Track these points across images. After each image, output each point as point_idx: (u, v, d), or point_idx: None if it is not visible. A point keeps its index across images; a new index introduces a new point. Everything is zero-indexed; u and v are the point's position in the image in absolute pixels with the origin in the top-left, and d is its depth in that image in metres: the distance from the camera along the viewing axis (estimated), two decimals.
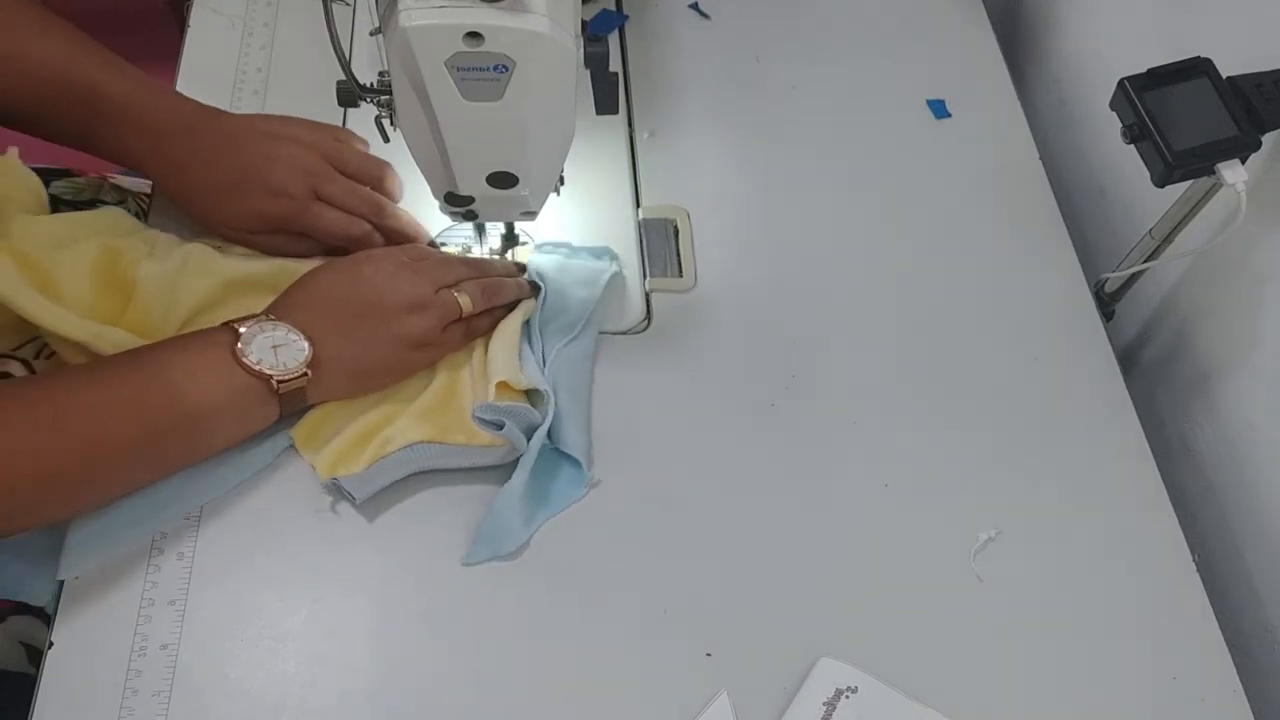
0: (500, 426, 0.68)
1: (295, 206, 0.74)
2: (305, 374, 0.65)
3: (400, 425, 0.70)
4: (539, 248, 0.79)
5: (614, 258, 0.80)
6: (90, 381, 0.62)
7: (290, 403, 0.67)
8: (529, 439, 0.69)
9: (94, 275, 0.70)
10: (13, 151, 0.74)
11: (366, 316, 0.69)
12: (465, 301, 0.71)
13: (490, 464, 0.69)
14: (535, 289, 0.77)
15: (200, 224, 0.76)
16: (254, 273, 0.73)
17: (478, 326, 0.74)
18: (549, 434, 0.70)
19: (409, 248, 0.75)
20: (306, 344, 0.66)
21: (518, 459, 0.69)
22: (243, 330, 0.65)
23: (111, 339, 0.67)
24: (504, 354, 0.72)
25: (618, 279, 0.80)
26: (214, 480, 0.67)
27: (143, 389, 0.62)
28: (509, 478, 0.69)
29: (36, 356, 0.70)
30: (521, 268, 0.78)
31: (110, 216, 0.76)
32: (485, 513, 0.67)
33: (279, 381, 0.65)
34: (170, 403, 0.62)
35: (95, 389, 0.61)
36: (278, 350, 0.65)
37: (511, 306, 0.75)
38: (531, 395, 0.72)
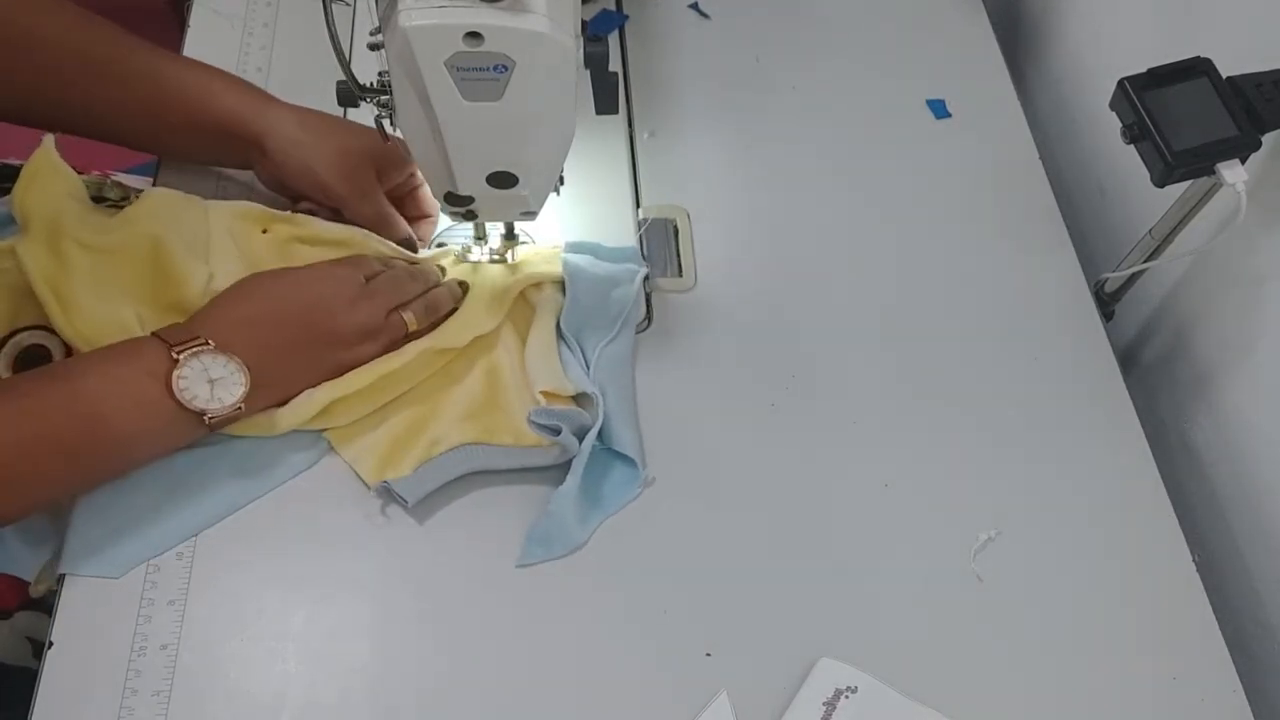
0: (557, 432, 0.68)
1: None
2: (239, 408, 0.64)
3: (445, 426, 0.70)
4: (569, 247, 0.79)
5: (643, 257, 0.80)
6: (6, 401, 0.59)
7: (218, 428, 0.65)
8: (580, 440, 0.69)
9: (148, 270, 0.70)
10: (48, 140, 0.71)
11: (315, 344, 0.68)
12: (411, 320, 0.71)
13: (542, 465, 0.70)
14: (464, 290, 0.76)
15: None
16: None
17: (409, 339, 0.72)
18: (599, 434, 0.70)
19: (361, 262, 0.73)
20: (244, 377, 0.63)
21: (567, 461, 0.69)
22: (180, 358, 0.62)
23: None
24: (543, 361, 0.72)
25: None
26: (259, 481, 0.67)
27: (64, 419, 0.59)
28: (521, 479, 0.69)
29: None
30: (463, 283, 0.77)
31: (160, 199, 0.74)
32: (539, 514, 0.67)
33: (211, 418, 0.63)
34: (91, 430, 0.60)
35: (13, 415, 0.58)
36: (214, 385, 0.63)
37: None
38: (579, 397, 0.72)
